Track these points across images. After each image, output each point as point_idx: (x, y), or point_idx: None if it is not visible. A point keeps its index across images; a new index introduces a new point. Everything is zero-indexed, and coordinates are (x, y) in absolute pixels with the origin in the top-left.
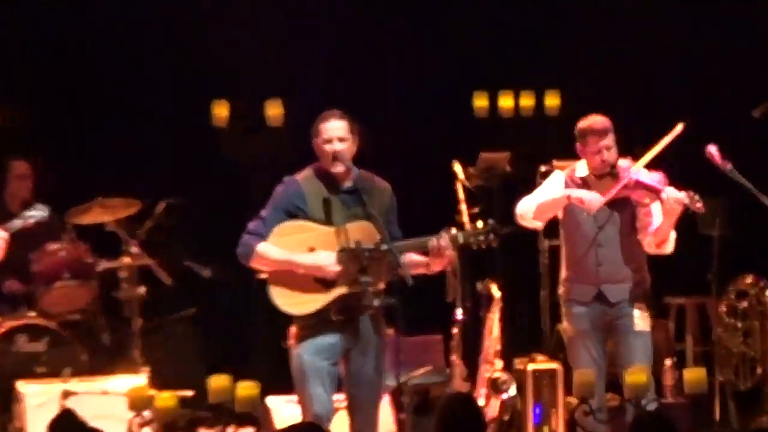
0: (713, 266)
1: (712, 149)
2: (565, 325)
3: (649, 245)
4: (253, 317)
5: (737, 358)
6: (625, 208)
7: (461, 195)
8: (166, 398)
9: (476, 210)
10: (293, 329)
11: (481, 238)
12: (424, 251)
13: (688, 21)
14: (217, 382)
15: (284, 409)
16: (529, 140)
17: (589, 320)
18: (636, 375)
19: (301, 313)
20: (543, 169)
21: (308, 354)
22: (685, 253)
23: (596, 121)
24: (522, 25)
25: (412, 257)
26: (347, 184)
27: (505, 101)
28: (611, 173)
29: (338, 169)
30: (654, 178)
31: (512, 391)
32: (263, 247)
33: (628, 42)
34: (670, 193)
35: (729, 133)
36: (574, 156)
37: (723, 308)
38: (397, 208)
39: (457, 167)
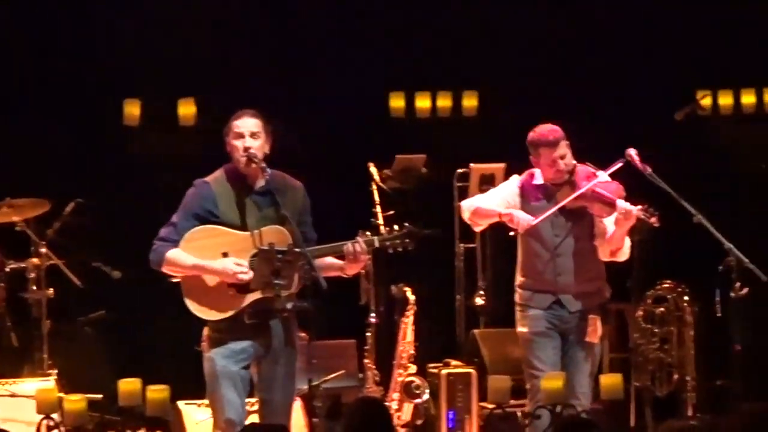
0: (633, 272)
1: (632, 152)
2: (520, 330)
3: (603, 253)
4: (163, 320)
5: (654, 364)
6: (584, 218)
7: (377, 197)
8: (75, 401)
9: (392, 213)
10: (206, 332)
11: (398, 241)
12: (340, 255)
13: (608, 21)
14: (127, 385)
15: (196, 413)
16: (446, 142)
17: (547, 321)
18: (552, 381)
19: (216, 318)
20: (460, 171)
21: (220, 358)
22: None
23: (547, 131)
24: (438, 24)
25: (327, 260)
26: (259, 184)
27: (422, 102)
28: (569, 181)
29: (249, 166)
30: (611, 188)
31: (426, 395)
32: (174, 254)
33: (546, 42)
34: (625, 205)
35: (649, 136)
36: (492, 158)
37: (640, 314)
38: (310, 207)
39: (373, 169)
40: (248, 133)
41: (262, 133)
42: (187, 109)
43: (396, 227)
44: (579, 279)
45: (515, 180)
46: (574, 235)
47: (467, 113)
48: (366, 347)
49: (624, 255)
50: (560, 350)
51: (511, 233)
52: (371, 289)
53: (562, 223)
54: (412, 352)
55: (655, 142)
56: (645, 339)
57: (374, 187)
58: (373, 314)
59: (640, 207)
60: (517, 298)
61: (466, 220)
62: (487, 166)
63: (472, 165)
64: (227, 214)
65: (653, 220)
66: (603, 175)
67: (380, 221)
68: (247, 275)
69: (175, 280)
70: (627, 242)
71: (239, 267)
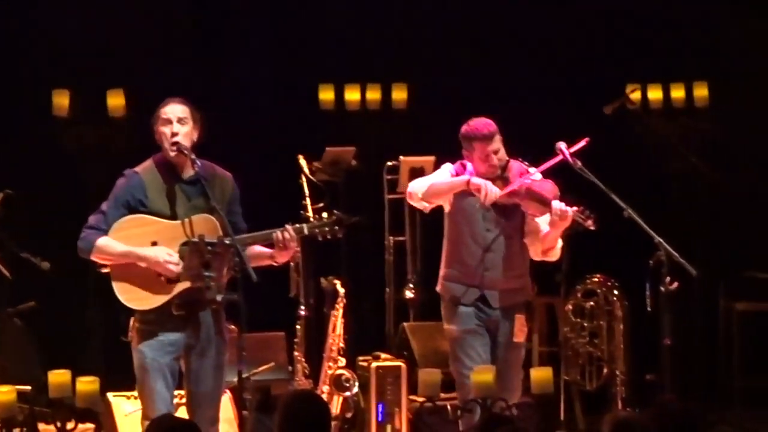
0: (562, 265)
1: (562, 146)
2: (448, 327)
3: (535, 252)
4: (93, 311)
5: (583, 358)
6: (516, 215)
7: (306, 189)
8: (5, 393)
9: (321, 205)
10: (134, 324)
11: (327, 229)
12: (269, 243)
13: (537, 14)
14: (57, 377)
15: (126, 405)
16: (375, 134)
17: (476, 317)
18: (482, 374)
19: (145, 308)
20: (389, 163)
21: (150, 350)
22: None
23: (481, 124)
24: (368, 16)
25: (256, 249)
26: (188, 173)
27: (352, 94)
28: (502, 177)
29: (178, 156)
30: (545, 187)
31: (355, 389)
32: (104, 242)
33: (476, 34)
34: (561, 206)
35: (579, 129)
36: (422, 151)
37: (570, 307)
38: (239, 198)
39: (302, 161)
40: (175, 119)
41: (189, 119)
42: (116, 100)
43: (325, 215)
44: (506, 275)
45: (449, 168)
46: (505, 231)
47: (397, 106)
48: (296, 340)
49: (555, 255)
50: (489, 346)
51: (482, 203)
52: (301, 281)
53: (494, 219)
54: (342, 345)
55: (584, 136)
56: (575, 333)
57: (304, 179)
58: (302, 307)
59: (576, 209)
60: (441, 290)
61: (415, 203)
62: (416, 159)
63: (401, 158)
64: (156, 204)
65: (589, 223)
66: (536, 173)
67: (309, 213)
68: (177, 267)
69: (104, 270)
70: (559, 242)
71: (170, 257)
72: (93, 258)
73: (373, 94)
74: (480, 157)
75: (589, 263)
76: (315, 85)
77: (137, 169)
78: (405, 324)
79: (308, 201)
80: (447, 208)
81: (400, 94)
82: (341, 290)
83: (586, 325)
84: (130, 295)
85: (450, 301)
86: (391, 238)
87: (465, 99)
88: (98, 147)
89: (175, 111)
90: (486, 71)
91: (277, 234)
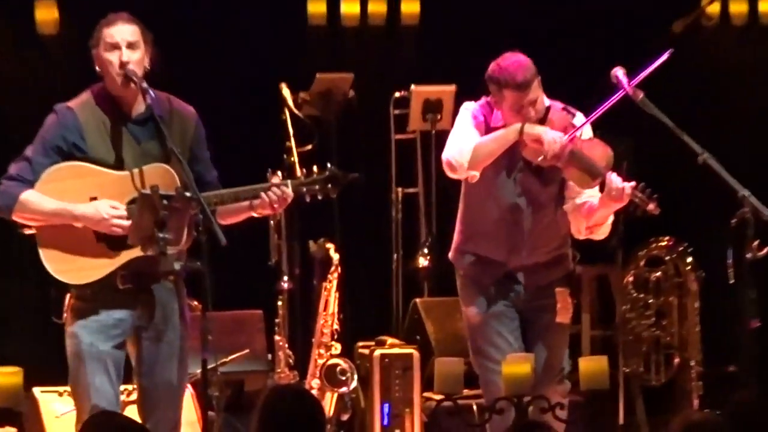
0: (617, 227)
1: (619, 73)
2: (467, 309)
3: (577, 229)
4: (14, 286)
5: (648, 345)
6: (553, 179)
7: (290, 128)
8: None
9: (309, 147)
10: (69, 301)
11: (317, 187)
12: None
13: None
14: None
15: (57, 404)
16: (379, 58)
17: (501, 298)
18: (516, 366)
19: (81, 282)
20: (397, 95)
21: (87, 333)
22: None
23: (515, 68)
24: None
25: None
26: (138, 110)
27: (349, 6)
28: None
29: (127, 86)
30: (596, 152)
31: (353, 383)
32: (30, 196)
33: None
34: (617, 183)
35: (639, 53)
36: (438, 79)
37: (630, 279)
38: (206, 139)
39: (286, 91)
40: (124, 44)
41: (140, 42)
42: (47, 14)
43: (315, 169)
44: (539, 251)
45: (471, 109)
46: (537, 199)
47: (406, 21)
48: (276, 320)
49: (604, 233)
50: (520, 332)
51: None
52: (284, 245)
53: (524, 182)
54: (336, 326)
55: (647, 62)
56: (636, 312)
57: (287, 114)
58: (285, 278)
59: (633, 184)
60: (453, 259)
61: (461, 175)
62: (432, 88)
63: (413, 87)
64: (97, 149)
65: (651, 207)
66: (586, 128)
67: (295, 158)
68: (126, 223)
69: (29, 231)
70: (610, 218)
71: (115, 211)
72: (15, 217)
73: (377, 6)
74: (512, 107)
75: (652, 223)
76: None
77: (71, 104)
78: (417, 300)
79: (293, 142)
80: None
81: (410, 6)
82: (335, 257)
83: (650, 302)
84: (63, 266)
85: (466, 277)
86: (400, 190)
87: (493, 11)
88: (23, 74)
89: (123, 33)
90: None
91: (267, 197)
